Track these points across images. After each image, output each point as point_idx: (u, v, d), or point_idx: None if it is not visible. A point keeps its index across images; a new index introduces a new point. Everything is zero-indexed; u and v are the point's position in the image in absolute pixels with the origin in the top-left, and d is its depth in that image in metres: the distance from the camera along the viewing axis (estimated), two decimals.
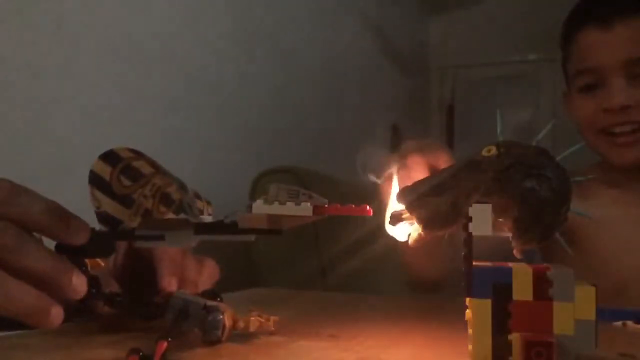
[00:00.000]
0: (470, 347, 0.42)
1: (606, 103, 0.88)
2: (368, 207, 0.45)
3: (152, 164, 0.47)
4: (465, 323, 0.43)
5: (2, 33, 1.06)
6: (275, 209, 0.44)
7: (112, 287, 0.52)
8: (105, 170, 0.46)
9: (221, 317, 0.48)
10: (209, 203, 0.50)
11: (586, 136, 0.93)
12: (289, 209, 0.44)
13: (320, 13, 2.14)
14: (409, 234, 0.49)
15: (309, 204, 0.44)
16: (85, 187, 0.47)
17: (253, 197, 0.46)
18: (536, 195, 0.42)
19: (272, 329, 0.51)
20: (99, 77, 1.24)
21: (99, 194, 0.46)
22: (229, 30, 1.64)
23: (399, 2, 2.91)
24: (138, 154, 0.46)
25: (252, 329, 0.50)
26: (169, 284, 0.53)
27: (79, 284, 0.41)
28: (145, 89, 1.35)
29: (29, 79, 1.10)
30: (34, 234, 0.42)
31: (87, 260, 0.45)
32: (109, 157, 0.46)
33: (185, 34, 1.47)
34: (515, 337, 0.40)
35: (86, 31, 1.21)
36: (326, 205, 0.45)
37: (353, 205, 0.45)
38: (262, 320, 0.51)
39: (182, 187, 0.46)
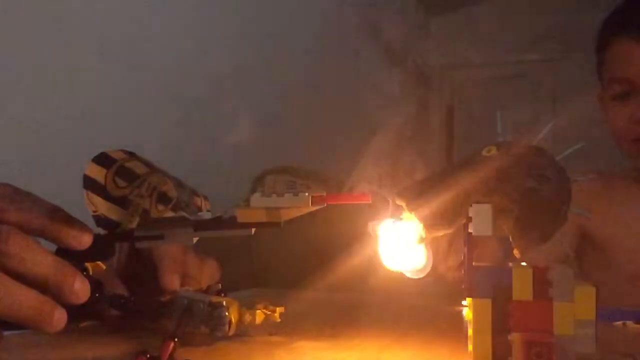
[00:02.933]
0: (470, 347, 0.42)
1: (638, 114, 0.89)
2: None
3: (147, 163, 0.46)
4: (465, 323, 0.43)
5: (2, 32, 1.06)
6: (274, 201, 0.43)
7: (117, 288, 0.52)
8: (99, 173, 0.46)
9: (226, 313, 0.48)
10: (205, 198, 0.50)
11: (618, 143, 0.94)
12: (287, 200, 0.44)
13: (319, 13, 2.14)
14: (410, 235, 0.48)
15: (306, 194, 0.44)
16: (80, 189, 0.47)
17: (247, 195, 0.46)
18: (536, 195, 0.42)
19: (279, 320, 0.51)
20: (97, 75, 1.24)
21: (94, 198, 0.46)
22: (228, 30, 1.64)
23: (399, 2, 2.91)
24: (131, 155, 0.46)
25: (258, 321, 0.51)
26: (172, 282, 0.54)
27: (81, 289, 0.41)
28: (144, 87, 1.35)
29: (28, 79, 1.10)
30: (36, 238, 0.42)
31: (88, 264, 0.45)
32: (102, 159, 0.46)
33: (184, 32, 1.47)
34: (515, 337, 0.40)
35: (86, 30, 1.21)
36: (324, 195, 0.45)
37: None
38: (268, 312, 0.51)
39: (178, 184, 0.46)
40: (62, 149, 1.15)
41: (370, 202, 0.46)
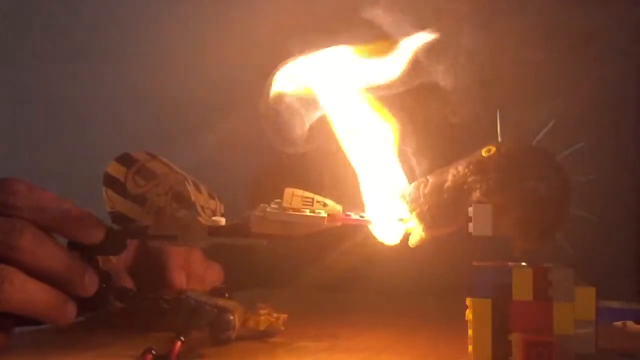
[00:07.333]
0: (470, 347, 0.42)
1: None
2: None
3: (167, 165, 0.47)
4: (465, 323, 0.43)
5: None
6: (290, 216, 0.44)
7: (125, 282, 0.53)
8: (120, 172, 0.47)
9: (232, 317, 0.48)
10: (220, 201, 0.50)
11: None
12: (304, 217, 0.44)
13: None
14: (410, 236, 0.48)
15: (323, 212, 0.44)
16: (91, 188, 0.47)
17: (253, 197, 0.47)
18: (536, 195, 0.42)
19: (282, 328, 0.51)
20: (97, 74, 1.24)
21: (112, 195, 0.46)
22: (230, 31, 1.64)
23: None
24: (152, 156, 0.47)
25: (261, 327, 0.50)
26: (178, 278, 0.54)
27: (90, 282, 0.43)
28: (145, 87, 1.35)
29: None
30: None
31: (98, 257, 0.46)
32: (124, 159, 0.47)
33: (185, 32, 1.47)
34: (515, 337, 0.40)
35: (88, 30, 1.22)
36: (340, 214, 0.45)
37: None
38: (272, 319, 0.51)
39: (196, 187, 0.47)
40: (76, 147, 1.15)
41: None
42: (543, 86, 0.99)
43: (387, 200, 0.48)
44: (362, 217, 0.46)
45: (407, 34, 0.47)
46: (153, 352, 0.41)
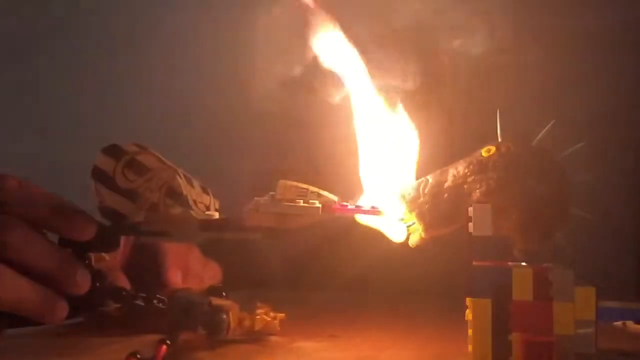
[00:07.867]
0: (470, 347, 0.42)
1: None
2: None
3: (158, 158, 0.46)
4: (465, 323, 0.43)
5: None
6: (283, 207, 0.43)
7: (119, 281, 0.52)
8: (108, 164, 0.45)
9: (225, 317, 0.48)
10: (216, 199, 0.50)
11: None
12: (297, 208, 0.44)
13: None
14: (409, 235, 0.48)
15: (317, 202, 0.44)
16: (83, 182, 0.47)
17: (253, 197, 0.46)
18: (536, 195, 0.42)
19: (278, 328, 0.51)
20: (98, 74, 1.24)
21: (102, 189, 0.45)
22: (230, 31, 1.64)
23: None
24: (143, 148, 0.46)
25: (257, 327, 0.50)
26: (174, 276, 0.53)
27: (82, 280, 0.42)
28: (145, 86, 1.35)
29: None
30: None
31: (90, 254, 0.45)
32: (112, 151, 0.45)
33: (186, 33, 1.47)
34: (515, 337, 0.40)
35: (91, 29, 1.22)
36: (336, 204, 0.45)
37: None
38: (268, 319, 0.51)
39: (188, 181, 0.46)
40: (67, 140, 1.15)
41: (381, 215, 0.46)
42: (544, 86, 0.99)
43: (388, 198, 0.48)
44: (357, 207, 0.46)
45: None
46: (138, 356, 0.40)
